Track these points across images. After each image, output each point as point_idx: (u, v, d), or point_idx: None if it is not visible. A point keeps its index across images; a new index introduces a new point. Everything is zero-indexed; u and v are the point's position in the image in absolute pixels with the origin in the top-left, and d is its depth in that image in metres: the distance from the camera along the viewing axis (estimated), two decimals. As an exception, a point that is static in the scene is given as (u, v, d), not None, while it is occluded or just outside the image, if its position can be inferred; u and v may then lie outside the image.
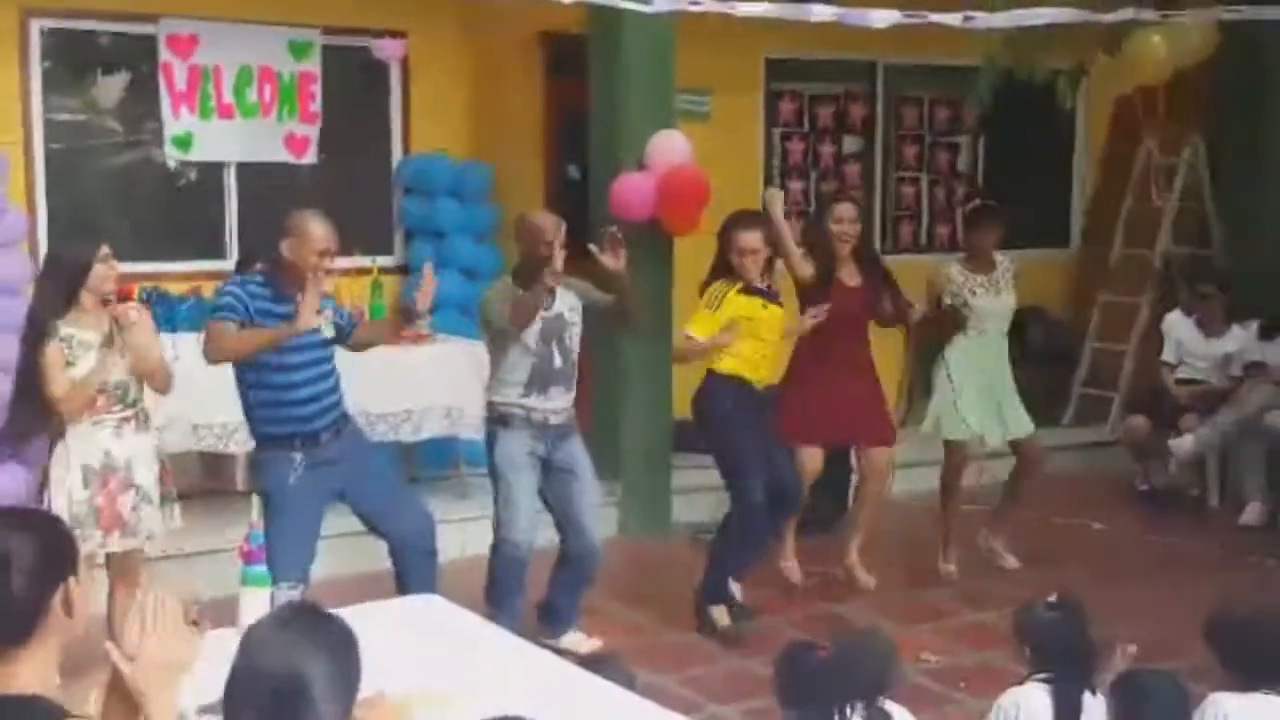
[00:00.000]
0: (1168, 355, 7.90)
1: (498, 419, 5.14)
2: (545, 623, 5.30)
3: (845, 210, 5.99)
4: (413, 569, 4.77)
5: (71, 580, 2.23)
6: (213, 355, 4.55)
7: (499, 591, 5.14)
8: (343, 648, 2.04)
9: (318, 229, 4.56)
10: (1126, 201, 9.22)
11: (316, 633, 2.01)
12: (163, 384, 4.63)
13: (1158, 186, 8.97)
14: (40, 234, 6.79)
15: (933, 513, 6.59)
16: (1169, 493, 7.76)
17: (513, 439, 5.09)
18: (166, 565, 4.94)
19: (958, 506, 6.45)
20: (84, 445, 4.43)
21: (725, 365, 5.55)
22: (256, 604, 3.16)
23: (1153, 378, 8.12)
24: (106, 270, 4.43)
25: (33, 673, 2.19)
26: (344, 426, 4.77)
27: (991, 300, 6.28)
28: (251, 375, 4.62)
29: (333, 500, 4.71)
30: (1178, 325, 7.91)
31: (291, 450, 4.57)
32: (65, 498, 4.38)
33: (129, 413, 4.50)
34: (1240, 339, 7.75)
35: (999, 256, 6.36)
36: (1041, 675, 3.61)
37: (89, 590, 2.27)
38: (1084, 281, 9.52)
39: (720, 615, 5.57)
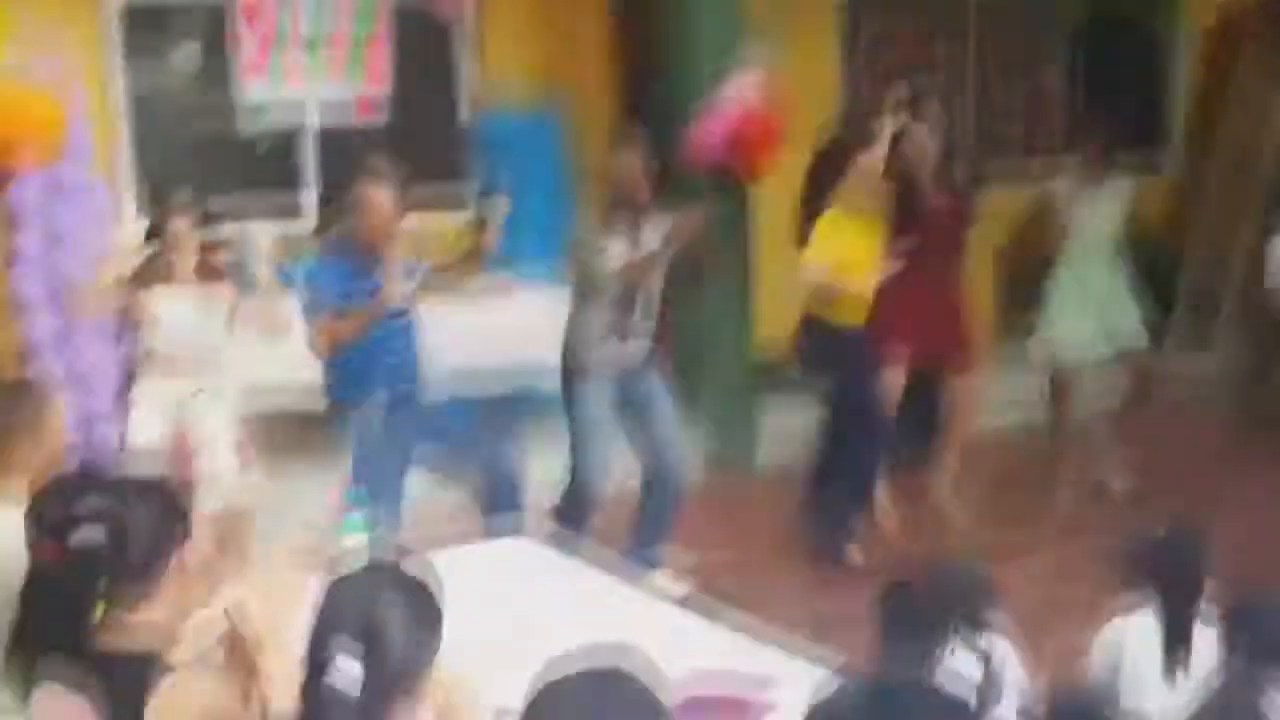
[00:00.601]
0: (1273, 279, 7.68)
1: (575, 367, 5.10)
2: (635, 558, 5.26)
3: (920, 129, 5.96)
4: (500, 503, 4.76)
5: (187, 542, 2.35)
6: (321, 352, 4.63)
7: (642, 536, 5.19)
8: (424, 597, 2.05)
9: (382, 196, 4.55)
10: (1228, 119, 8.92)
11: (398, 583, 2.03)
12: (281, 330, 4.73)
13: (1260, 104, 8.69)
14: (125, 203, 6.88)
15: (1028, 446, 6.47)
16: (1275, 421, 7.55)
17: (590, 388, 5.08)
18: (261, 518, 4.98)
19: (1070, 432, 6.38)
20: (158, 408, 4.53)
21: (828, 309, 5.49)
22: (354, 552, 3.18)
23: (1258, 302, 7.90)
24: (177, 250, 4.50)
25: (146, 628, 2.30)
26: (418, 383, 4.80)
27: (1091, 217, 6.19)
28: None
29: (411, 454, 4.72)
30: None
31: (372, 407, 4.60)
32: (140, 455, 4.49)
33: (203, 382, 4.56)
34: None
35: (1109, 175, 6.25)
36: (1150, 605, 3.55)
37: (201, 548, 2.35)
38: (1185, 204, 9.26)
39: (855, 553, 5.58)
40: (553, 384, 6.52)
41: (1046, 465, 6.73)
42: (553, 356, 6.44)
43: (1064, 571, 5.50)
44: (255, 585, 2.44)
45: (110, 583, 2.27)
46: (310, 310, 4.58)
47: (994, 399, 6.77)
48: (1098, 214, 6.22)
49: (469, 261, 5.03)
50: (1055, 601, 5.13)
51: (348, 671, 1.86)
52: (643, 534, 5.30)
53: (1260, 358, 7.61)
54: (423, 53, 7.68)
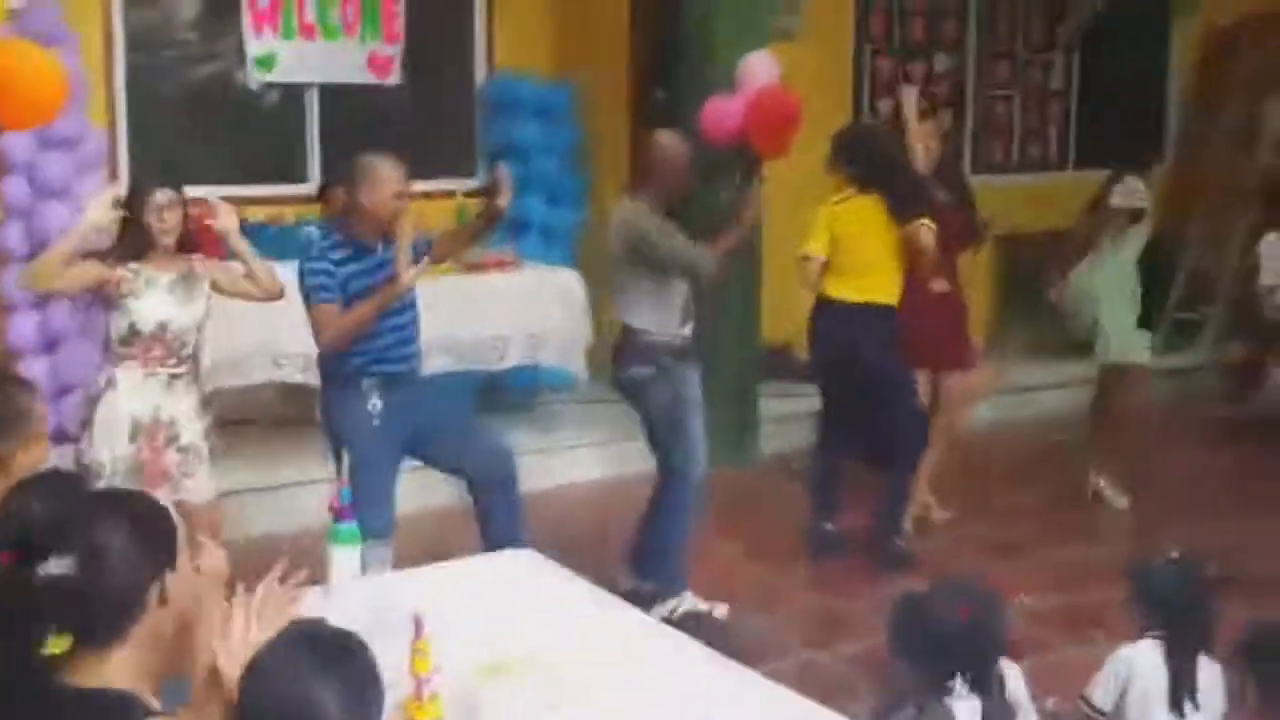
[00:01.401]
0: (1267, 279, 7.63)
1: (671, 351, 4.90)
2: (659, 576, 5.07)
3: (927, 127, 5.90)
4: (495, 504, 4.60)
5: (169, 573, 2.09)
6: (328, 344, 4.38)
7: (674, 550, 4.96)
8: (359, 674, 1.88)
9: (390, 171, 4.36)
10: (1224, 117, 8.89)
11: (331, 660, 1.86)
12: (272, 290, 4.52)
13: (1256, 101, 8.65)
14: (121, 156, 6.71)
15: (1012, 442, 6.42)
16: (1271, 420, 7.49)
17: (688, 370, 4.92)
18: (241, 500, 4.87)
19: (1118, 429, 6.34)
20: (135, 396, 4.30)
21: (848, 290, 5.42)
22: (348, 562, 3.09)
23: (1251, 300, 7.85)
24: (159, 222, 4.28)
25: (121, 667, 2.07)
26: (418, 373, 4.61)
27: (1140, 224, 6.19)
28: None
29: (406, 450, 4.53)
30: (1277, 248, 7.62)
31: (370, 392, 4.40)
32: (108, 449, 4.26)
33: (182, 368, 4.37)
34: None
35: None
36: (1156, 633, 3.48)
37: (188, 580, 2.15)
38: (1179, 199, 9.19)
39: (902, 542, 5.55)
40: (552, 359, 6.49)
41: (1037, 462, 6.71)
42: (554, 331, 6.40)
43: (1063, 577, 5.39)
44: (236, 612, 2.17)
45: (81, 617, 2.01)
46: (312, 294, 4.34)
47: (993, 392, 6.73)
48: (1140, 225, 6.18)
49: (478, 228, 4.77)
50: (1053, 609, 5.05)
51: None
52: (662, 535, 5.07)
53: (1252, 356, 7.54)
54: (438, 12, 7.46)
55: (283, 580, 2.27)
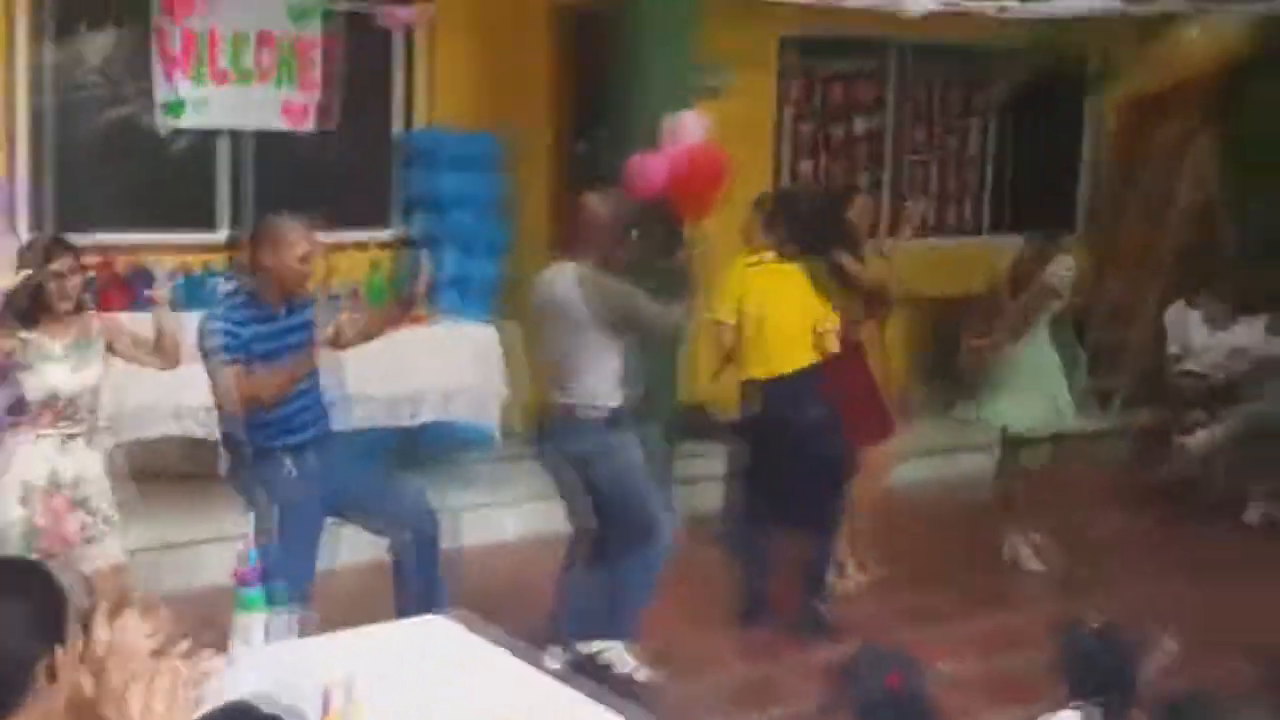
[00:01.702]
0: (1173, 348, 7.77)
1: (610, 420, 4.77)
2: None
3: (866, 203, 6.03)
4: (412, 563, 4.49)
5: (59, 649, 1.97)
6: (233, 407, 4.25)
7: (631, 614, 4.86)
8: None
9: (296, 233, 4.26)
10: (1136, 188, 9.09)
11: None
12: (174, 360, 4.40)
13: (1168, 174, 8.84)
14: (20, 204, 6.49)
15: (932, 503, 6.51)
16: (1178, 487, 7.56)
17: (630, 436, 4.81)
18: (145, 558, 4.68)
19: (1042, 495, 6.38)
20: (25, 460, 4.13)
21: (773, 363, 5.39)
22: (252, 629, 2.94)
23: (1159, 368, 7.98)
24: (58, 286, 4.13)
25: None
26: (329, 437, 4.48)
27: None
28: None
29: (326, 512, 4.40)
30: (1182, 318, 7.76)
31: (283, 459, 4.27)
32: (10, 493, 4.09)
33: (79, 428, 4.21)
34: (1248, 333, 7.58)
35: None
36: (1077, 703, 3.44)
37: (77, 653, 2.03)
38: (1090, 268, 9.35)
39: (826, 612, 5.49)
40: (466, 415, 6.37)
41: (953, 524, 6.71)
42: (468, 386, 6.30)
43: (984, 640, 5.38)
44: (134, 688, 2.04)
45: None
46: (216, 354, 4.20)
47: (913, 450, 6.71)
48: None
49: (391, 314, 4.73)
50: (974, 676, 5.01)
51: None
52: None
53: (1160, 422, 7.63)
54: (360, 61, 7.33)
55: (188, 655, 2.15)
